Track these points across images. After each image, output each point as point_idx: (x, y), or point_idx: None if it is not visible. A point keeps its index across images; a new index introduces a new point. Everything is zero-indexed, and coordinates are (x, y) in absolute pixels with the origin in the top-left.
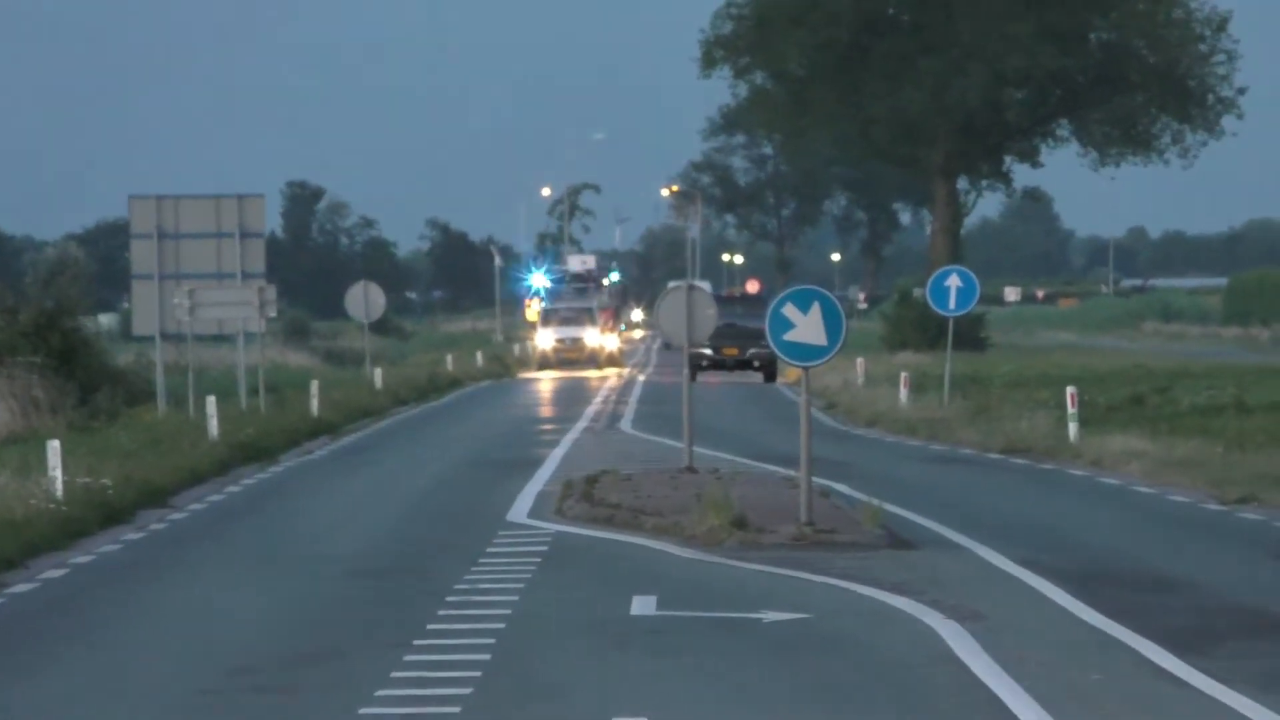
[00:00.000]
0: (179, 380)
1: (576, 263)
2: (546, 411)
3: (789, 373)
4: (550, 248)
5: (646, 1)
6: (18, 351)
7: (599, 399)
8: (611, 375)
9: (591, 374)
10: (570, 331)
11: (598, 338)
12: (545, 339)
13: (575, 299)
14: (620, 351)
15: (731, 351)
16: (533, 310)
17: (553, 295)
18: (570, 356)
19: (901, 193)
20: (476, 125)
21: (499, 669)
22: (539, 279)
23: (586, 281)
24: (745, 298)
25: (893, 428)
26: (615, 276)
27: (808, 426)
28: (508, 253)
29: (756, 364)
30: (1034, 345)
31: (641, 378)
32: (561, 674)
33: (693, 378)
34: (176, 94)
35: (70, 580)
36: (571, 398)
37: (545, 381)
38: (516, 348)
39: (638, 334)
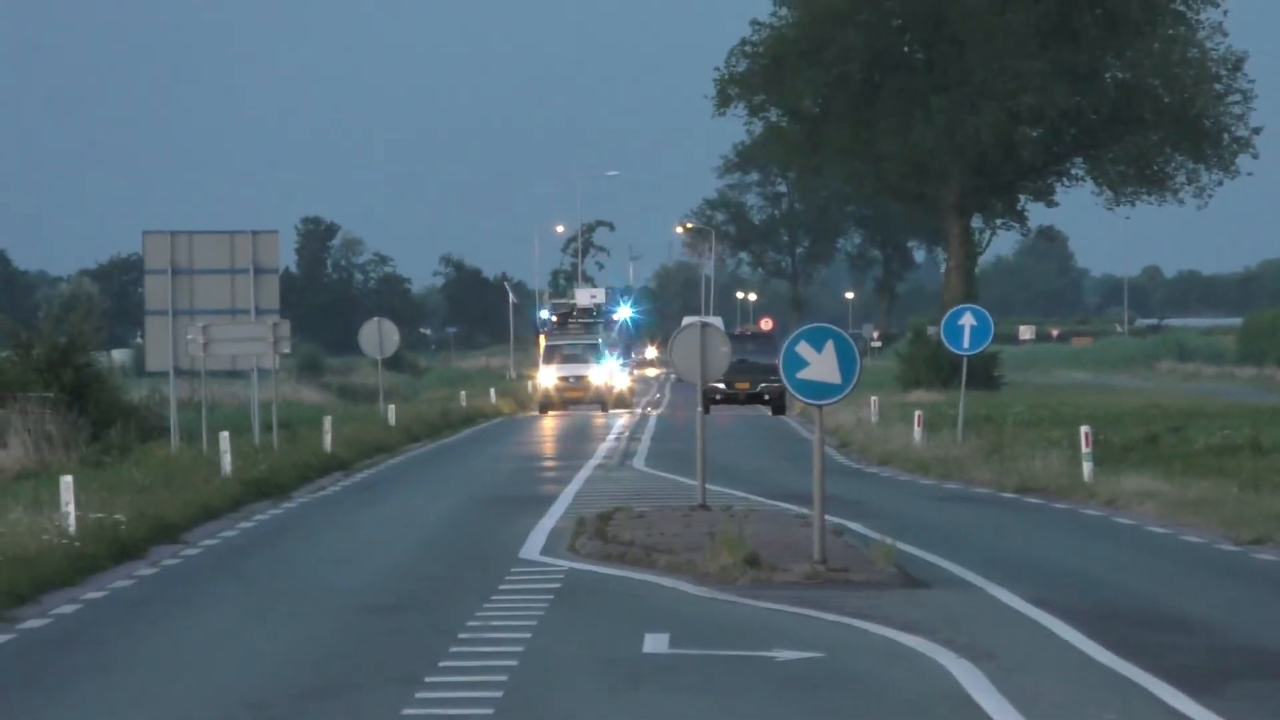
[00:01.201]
0: (192, 416)
1: (585, 296)
2: (559, 448)
3: (796, 405)
4: (564, 284)
5: (662, 40)
6: (30, 387)
7: (612, 436)
8: (624, 414)
9: (599, 414)
10: (575, 369)
11: (604, 375)
12: (548, 377)
13: (581, 334)
14: (631, 390)
15: (744, 386)
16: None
17: (545, 327)
18: (574, 396)
19: (916, 231)
20: (491, 162)
21: (511, 706)
22: (623, 311)
23: (596, 317)
24: (756, 335)
25: (906, 466)
26: (630, 311)
27: (821, 464)
28: (521, 289)
29: (767, 397)
30: (1048, 384)
31: (655, 414)
32: (574, 711)
33: (706, 410)
34: (191, 130)
35: (82, 616)
36: (584, 435)
37: (557, 419)
38: (530, 384)
39: (651, 372)
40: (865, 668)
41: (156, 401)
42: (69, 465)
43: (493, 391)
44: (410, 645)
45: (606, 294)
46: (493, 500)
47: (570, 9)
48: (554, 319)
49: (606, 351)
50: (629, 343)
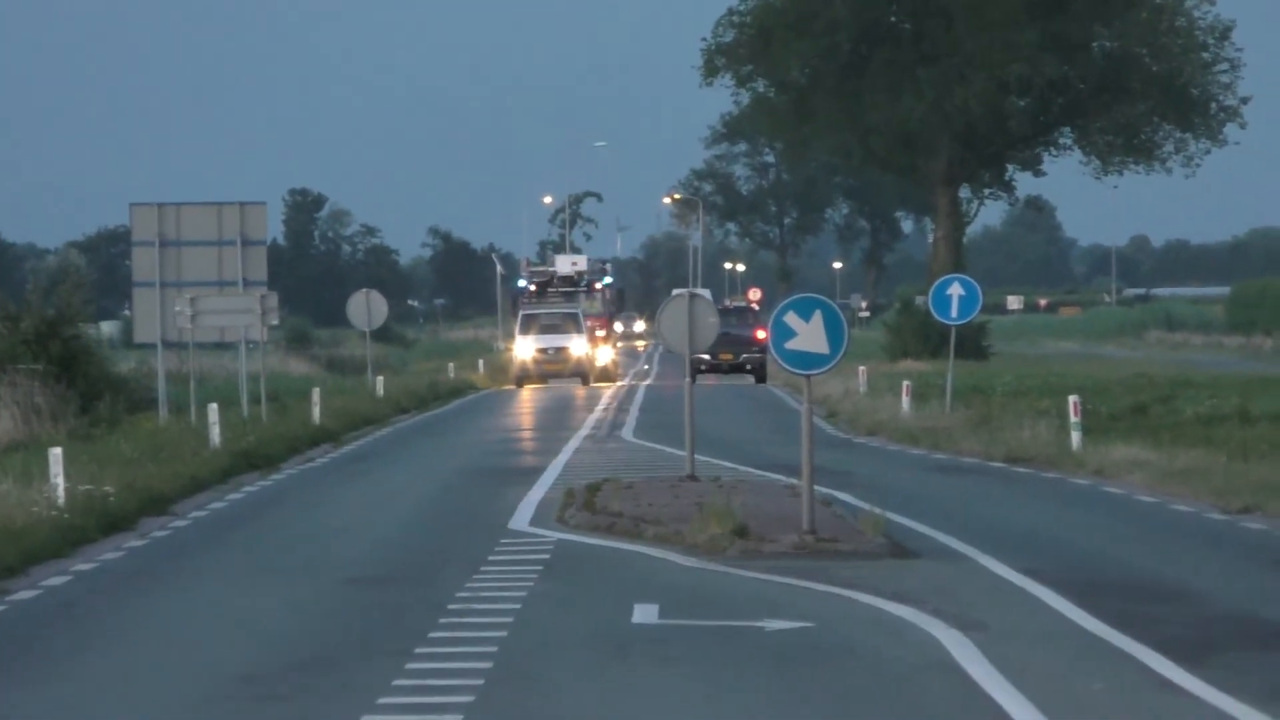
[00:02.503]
0: (181, 388)
1: (565, 263)
2: (548, 419)
3: (779, 375)
4: (551, 255)
5: (649, 10)
6: (19, 359)
7: (600, 407)
8: (609, 386)
9: (581, 387)
10: (553, 340)
11: (585, 347)
12: (524, 348)
13: (560, 304)
14: (615, 364)
15: (727, 356)
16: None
17: (522, 297)
18: (552, 369)
19: (903, 201)
20: (478, 133)
21: (500, 677)
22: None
23: (576, 285)
24: (739, 309)
25: (894, 436)
26: (609, 280)
27: (809, 435)
28: (509, 261)
29: (749, 367)
30: (1036, 354)
31: (643, 385)
32: (563, 682)
33: (692, 379)
34: (178, 101)
35: (72, 588)
36: (572, 406)
37: (544, 391)
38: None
39: (640, 345)
40: (854, 638)
41: (145, 374)
42: (57, 437)
43: (481, 363)
44: (400, 617)
45: (588, 262)
46: (481, 472)
47: None
48: (532, 288)
49: (586, 322)
50: (613, 312)
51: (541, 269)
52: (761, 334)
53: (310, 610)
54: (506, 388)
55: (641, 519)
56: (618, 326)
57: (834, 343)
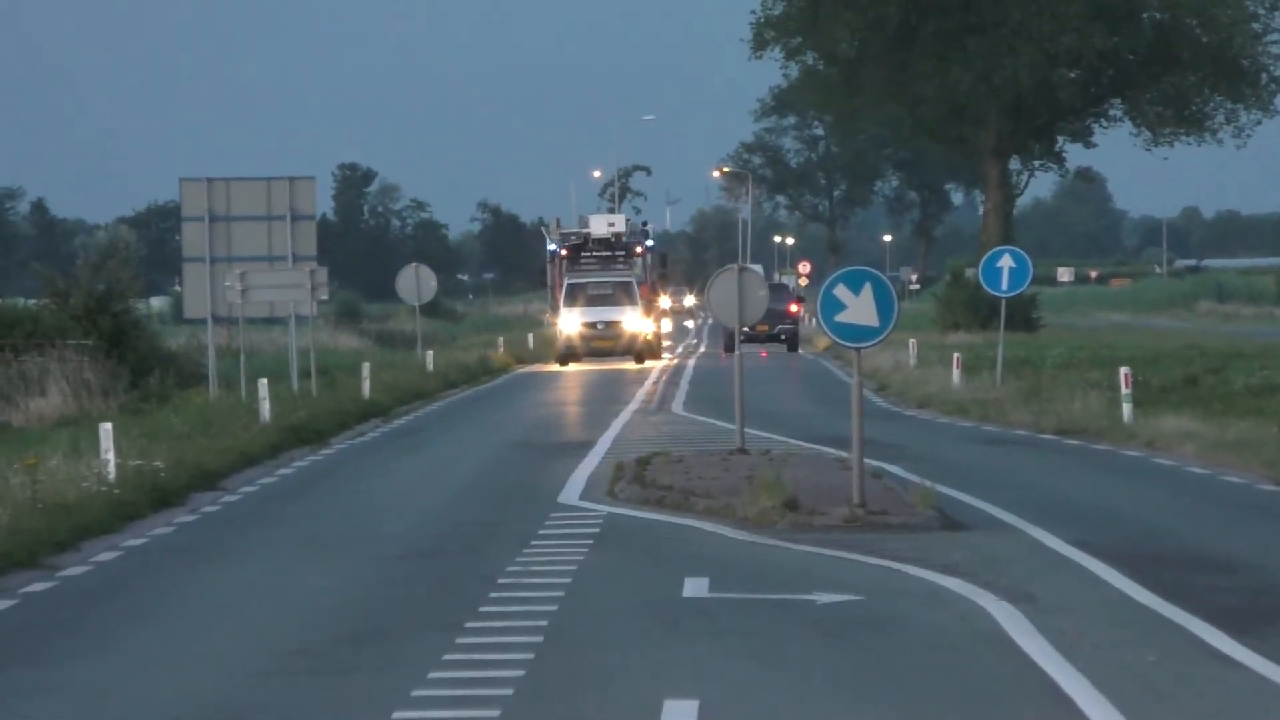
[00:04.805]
0: (230, 363)
1: (600, 224)
2: (597, 394)
3: (817, 342)
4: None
5: None
6: (69, 335)
7: (650, 381)
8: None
9: (630, 366)
10: (604, 313)
11: (639, 321)
12: (570, 322)
13: (608, 270)
14: (657, 336)
15: (764, 328)
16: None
17: (569, 264)
18: (602, 346)
19: (953, 173)
20: (528, 108)
21: (551, 651)
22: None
23: (615, 249)
24: (773, 286)
25: (944, 409)
26: (650, 242)
27: (859, 408)
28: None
29: (783, 337)
30: (1087, 326)
31: (693, 359)
32: (613, 656)
33: (730, 349)
34: (229, 77)
35: (123, 563)
36: (621, 380)
37: (594, 364)
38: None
39: (689, 323)
40: (905, 610)
41: (195, 349)
42: (108, 413)
43: (531, 337)
44: (451, 591)
45: (626, 222)
46: (531, 445)
47: None
48: (563, 252)
49: (638, 292)
50: (656, 281)
51: (574, 231)
52: (794, 308)
53: (361, 584)
54: (543, 369)
55: (692, 492)
56: (664, 301)
57: (884, 315)
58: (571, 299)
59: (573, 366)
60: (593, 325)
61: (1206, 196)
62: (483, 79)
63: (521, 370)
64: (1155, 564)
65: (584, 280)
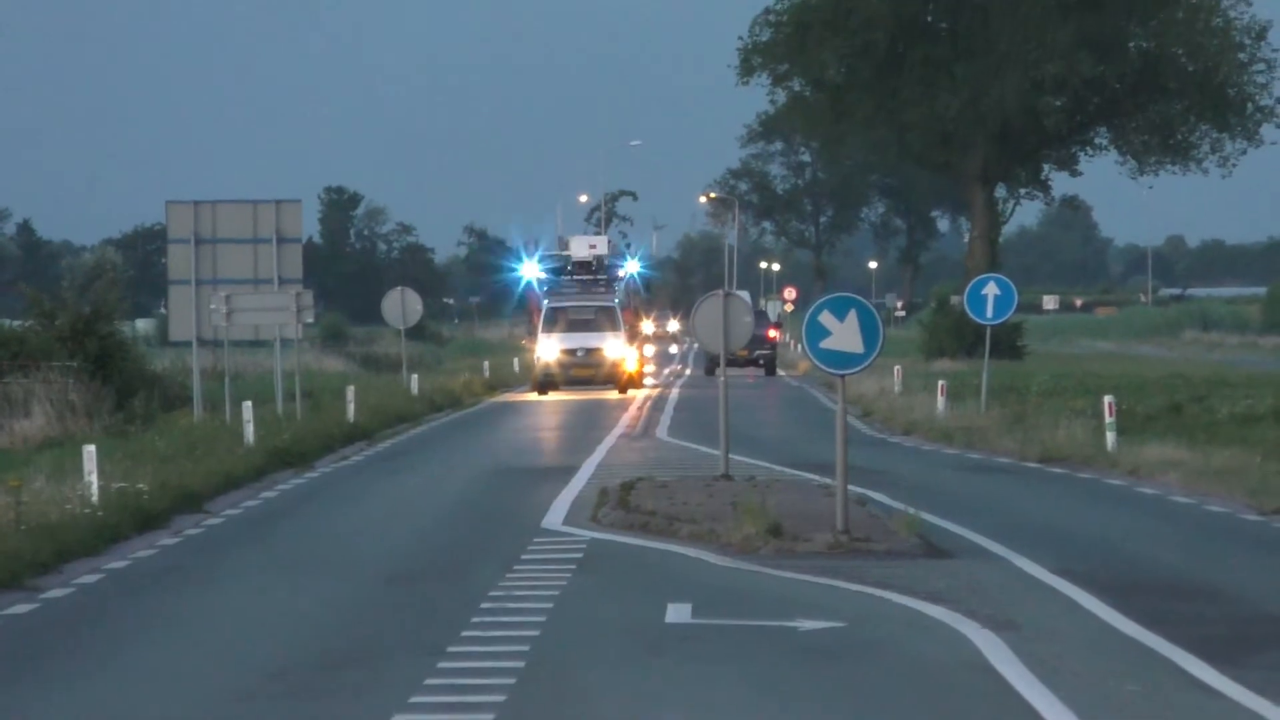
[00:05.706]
0: (215, 385)
1: (581, 246)
2: (581, 419)
3: (799, 365)
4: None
5: (685, 9)
6: (54, 356)
7: (634, 406)
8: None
9: (611, 395)
10: (584, 339)
11: (621, 349)
12: (548, 349)
13: (589, 294)
14: (641, 368)
15: (743, 353)
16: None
17: (551, 289)
18: (582, 374)
19: (939, 200)
20: (514, 133)
21: (533, 675)
22: (529, 268)
23: (596, 272)
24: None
25: (929, 436)
26: (636, 265)
27: (844, 434)
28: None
29: (761, 362)
30: (1072, 354)
31: (678, 385)
32: (596, 681)
33: (711, 372)
34: (215, 100)
35: (105, 585)
36: (606, 405)
37: (576, 391)
38: (525, 358)
39: (673, 349)
40: (888, 637)
41: (179, 371)
42: (92, 435)
43: (516, 361)
44: (433, 614)
45: (608, 244)
46: (515, 470)
47: None
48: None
49: (621, 317)
50: (639, 306)
51: (552, 254)
52: (772, 333)
53: (343, 607)
54: (516, 398)
55: (675, 518)
56: (647, 326)
57: (869, 342)
58: (550, 323)
59: (552, 395)
60: (572, 352)
61: (1191, 225)
62: (470, 103)
63: (493, 400)
64: (1138, 592)
65: (564, 304)
